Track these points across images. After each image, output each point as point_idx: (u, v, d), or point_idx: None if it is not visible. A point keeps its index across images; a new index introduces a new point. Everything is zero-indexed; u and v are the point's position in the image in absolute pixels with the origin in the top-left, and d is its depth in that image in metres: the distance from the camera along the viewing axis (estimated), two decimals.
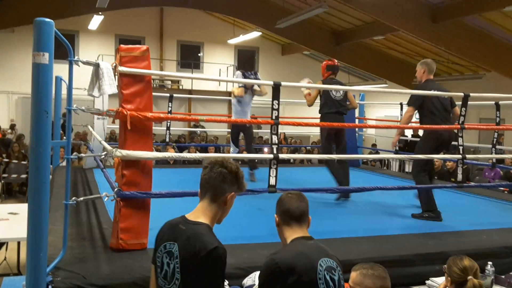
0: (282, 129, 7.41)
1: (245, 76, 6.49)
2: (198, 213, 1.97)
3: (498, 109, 5.97)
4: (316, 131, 14.18)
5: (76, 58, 2.97)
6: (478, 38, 11.20)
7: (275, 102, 3.82)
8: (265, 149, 10.50)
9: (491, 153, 6.06)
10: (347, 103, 5.76)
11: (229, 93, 17.00)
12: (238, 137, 7.04)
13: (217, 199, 1.97)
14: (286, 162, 9.57)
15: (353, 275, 2.23)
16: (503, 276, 3.38)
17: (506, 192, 7.12)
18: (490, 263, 3.29)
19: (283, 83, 3.88)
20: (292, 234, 2.13)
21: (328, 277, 1.99)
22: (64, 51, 2.93)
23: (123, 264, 2.92)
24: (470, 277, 2.45)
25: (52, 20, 2.60)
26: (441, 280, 2.91)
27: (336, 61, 5.94)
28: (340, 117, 5.52)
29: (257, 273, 2.80)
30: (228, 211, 2.05)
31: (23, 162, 10.85)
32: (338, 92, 5.55)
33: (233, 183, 1.99)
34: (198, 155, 4.09)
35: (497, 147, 6.07)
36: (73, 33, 16.13)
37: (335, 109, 5.51)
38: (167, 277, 1.89)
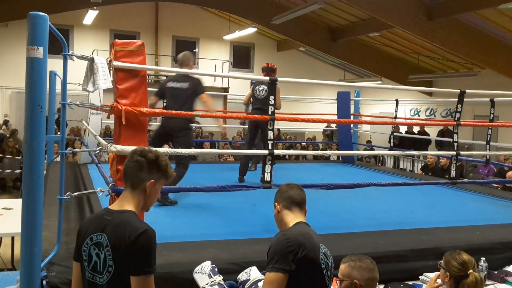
0: (276, 125, 7.39)
1: (254, 86, 6.69)
2: (122, 202, 2.00)
3: (492, 106, 6.00)
4: (312, 127, 14.21)
5: (70, 52, 2.96)
6: (473, 36, 11.23)
7: (271, 97, 3.82)
8: None
9: (485, 150, 6.10)
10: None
11: (224, 89, 17.01)
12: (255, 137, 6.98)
13: (136, 188, 2.00)
14: (281, 158, 9.58)
15: (342, 267, 2.26)
16: (496, 272, 3.41)
17: (499, 188, 7.16)
18: (483, 258, 3.32)
19: (279, 79, 3.88)
20: (294, 218, 2.25)
21: (325, 262, 2.13)
22: (59, 46, 2.92)
23: None
24: (470, 271, 2.45)
25: (46, 14, 2.59)
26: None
27: (271, 64, 6.80)
28: (261, 112, 6.12)
29: (252, 268, 2.81)
30: (154, 198, 2.05)
31: (17, 157, 10.80)
32: (261, 92, 6.39)
33: (152, 171, 2.00)
34: (192, 150, 4.08)
35: (491, 143, 6.10)
36: (68, 28, 16.02)
37: (258, 105, 6.35)
38: (97, 268, 1.90)
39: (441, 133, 11.53)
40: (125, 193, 2.03)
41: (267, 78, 4.00)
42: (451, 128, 4.74)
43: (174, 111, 4.31)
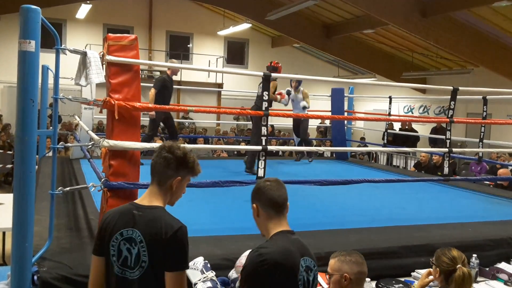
0: (270, 121, 7.48)
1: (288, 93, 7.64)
2: (150, 197, 2.00)
3: (485, 103, 6.03)
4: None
5: (63, 46, 2.93)
6: (467, 33, 11.27)
7: (265, 93, 3.82)
8: None
9: (478, 147, 6.13)
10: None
11: (218, 85, 16.97)
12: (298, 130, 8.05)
13: (163, 184, 2.00)
14: (275, 154, 9.59)
15: (332, 262, 2.28)
16: (487, 269, 3.43)
17: (491, 186, 7.21)
18: (474, 255, 3.34)
19: (273, 75, 3.88)
20: (276, 226, 2.02)
21: (305, 278, 1.95)
22: (51, 40, 2.89)
23: None
24: (459, 265, 2.48)
25: (38, 8, 2.56)
26: None
27: (275, 62, 7.08)
28: (255, 107, 6.68)
29: None
30: (179, 194, 2.08)
31: (9, 152, 10.71)
32: (259, 89, 6.61)
33: (179, 168, 2.01)
34: (186, 146, 4.07)
35: (484, 141, 6.13)
36: (61, 22, 15.89)
37: (256, 101, 6.82)
38: (127, 263, 1.90)
39: (434, 131, 11.58)
40: (152, 188, 2.02)
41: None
42: (444, 125, 4.77)
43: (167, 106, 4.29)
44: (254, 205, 2.07)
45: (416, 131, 12.20)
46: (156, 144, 3.70)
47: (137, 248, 1.89)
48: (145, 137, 6.80)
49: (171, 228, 1.88)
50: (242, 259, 2.70)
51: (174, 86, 16.90)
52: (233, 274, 2.79)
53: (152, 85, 6.82)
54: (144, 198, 2.01)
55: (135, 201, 2.04)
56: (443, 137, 4.80)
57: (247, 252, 2.68)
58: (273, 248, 1.91)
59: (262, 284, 1.87)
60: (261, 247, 1.93)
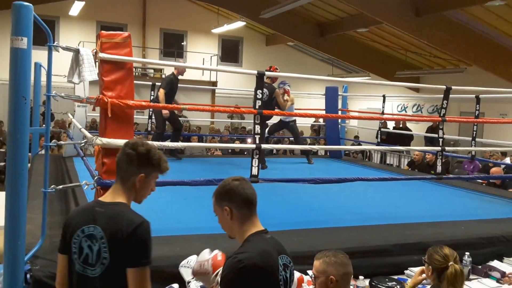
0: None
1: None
2: (114, 194, 1.98)
3: (478, 102, 6.06)
4: (300, 122, 14.21)
5: (55, 43, 2.92)
6: (460, 32, 11.32)
7: (259, 91, 3.82)
8: (248, 140, 10.50)
9: (471, 146, 6.16)
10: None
11: (212, 83, 16.94)
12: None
13: (126, 181, 1.97)
14: (269, 153, 9.59)
15: (316, 263, 2.22)
16: (480, 267, 3.45)
17: (484, 184, 7.25)
18: (467, 253, 3.35)
19: (267, 73, 3.88)
20: (250, 227, 1.94)
21: (284, 276, 1.92)
22: (44, 37, 2.87)
23: None
24: (451, 263, 2.49)
25: (31, 4, 2.55)
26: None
27: (274, 67, 7.21)
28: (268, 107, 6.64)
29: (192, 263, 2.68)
30: (145, 192, 2.03)
31: (1, 150, 10.65)
32: (264, 94, 6.80)
33: (142, 165, 1.97)
34: (180, 144, 4.06)
35: (476, 139, 6.17)
36: (54, 19, 15.80)
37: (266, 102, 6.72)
38: (88, 260, 1.88)
39: (430, 129, 11.61)
40: (116, 185, 2.00)
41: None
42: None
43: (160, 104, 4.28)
44: (226, 207, 1.94)
45: (410, 130, 12.24)
46: (149, 143, 3.69)
47: (98, 244, 1.86)
48: (155, 135, 7.25)
49: (132, 223, 1.85)
50: (192, 262, 2.58)
51: None
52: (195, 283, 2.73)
53: (148, 83, 7.06)
54: (108, 195, 1.99)
55: (99, 198, 2.03)
56: (435, 135, 4.82)
57: (193, 257, 2.62)
58: (251, 253, 1.83)
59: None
60: (239, 253, 1.85)
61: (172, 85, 7.04)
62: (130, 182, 1.97)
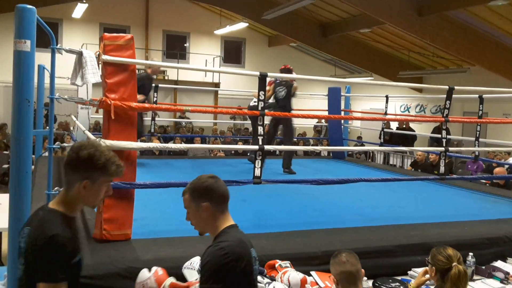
0: (267, 121, 7.49)
1: (275, 86, 7.13)
2: (57, 199, 1.86)
3: (481, 102, 6.04)
4: (302, 123, 14.22)
5: (58, 46, 2.93)
6: (463, 32, 11.30)
7: (261, 93, 3.82)
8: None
9: (474, 146, 6.14)
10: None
11: (215, 84, 16.96)
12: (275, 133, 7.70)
13: (70, 187, 1.82)
14: (272, 154, 9.59)
15: (332, 269, 2.34)
16: (483, 267, 3.44)
17: (487, 184, 7.23)
18: (471, 254, 3.35)
19: (269, 74, 3.88)
20: (225, 221, 2.00)
21: (256, 268, 1.97)
22: (47, 39, 2.89)
23: (107, 255, 2.90)
24: (454, 263, 2.49)
25: (34, 7, 2.56)
26: None
27: (288, 65, 7.11)
28: (282, 111, 6.33)
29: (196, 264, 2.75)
30: (94, 197, 1.85)
31: (5, 152, 10.68)
32: (281, 92, 6.89)
33: (84, 170, 1.79)
34: (183, 145, 4.07)
35: (480, 140, 6.15)
36: (57, 22, 15.85)
37: (280, 104, 6.79)
38: (19, 257, 1.82)
39: (437, 130, 11.59)
40: (62, 191, 1.88)
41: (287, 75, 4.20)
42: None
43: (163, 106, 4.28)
44: (205, 204, 1.97)
45: (413, 130, 12.22)
46: (152, 144, 3.70)
47: (22, 246, 1.80)
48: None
49: (44, 235, 1.70)
50: (195, 264, 2.63)
51: (171, 86, 16.88)
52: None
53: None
54: (54, 200, 1.88)
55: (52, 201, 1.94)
56: (439, 135, 4.81)
57: (196, 258, 2.66)
58: (232, 241, 1.90)
59: (226, 277, 1.83)
60: (220, 242, 1.90)
61: (143, 81, 6.51)
62: (74, 189, 1.81)
